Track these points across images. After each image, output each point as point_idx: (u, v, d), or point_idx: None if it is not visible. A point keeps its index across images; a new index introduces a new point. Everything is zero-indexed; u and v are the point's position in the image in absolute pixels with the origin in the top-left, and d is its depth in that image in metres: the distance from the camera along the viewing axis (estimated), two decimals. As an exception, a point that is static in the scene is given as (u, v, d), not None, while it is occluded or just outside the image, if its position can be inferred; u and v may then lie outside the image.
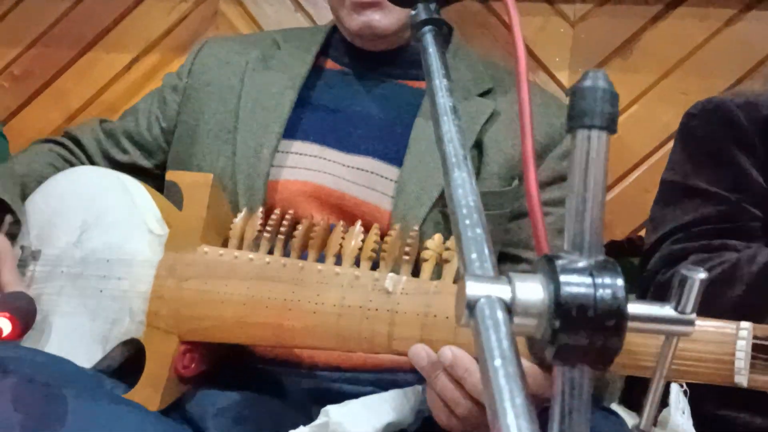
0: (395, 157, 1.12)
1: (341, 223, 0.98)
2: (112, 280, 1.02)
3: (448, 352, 0.84)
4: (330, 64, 1.23)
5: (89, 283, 1.03)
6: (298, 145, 1.14)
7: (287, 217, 0.99)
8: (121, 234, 1.04)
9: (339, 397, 0.93)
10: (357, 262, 0.95)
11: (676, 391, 0.96)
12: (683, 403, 0.97)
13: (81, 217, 1.07)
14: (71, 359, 0.97)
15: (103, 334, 1.00)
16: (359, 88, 1.20)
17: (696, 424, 0.97)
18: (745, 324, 0.81)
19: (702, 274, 0.49)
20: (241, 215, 1.02)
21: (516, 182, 1.14)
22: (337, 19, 1.20)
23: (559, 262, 0.47)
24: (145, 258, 1.01)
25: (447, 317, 0.89)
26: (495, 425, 0.40)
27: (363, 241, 0.96)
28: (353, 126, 1.16)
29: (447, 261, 0.93)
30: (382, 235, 0.97)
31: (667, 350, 0.53)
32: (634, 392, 1.18)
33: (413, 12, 0.71)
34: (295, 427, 0.89)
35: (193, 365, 0.98)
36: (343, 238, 0.96)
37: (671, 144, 1.30)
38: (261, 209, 1.03)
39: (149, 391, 0.95)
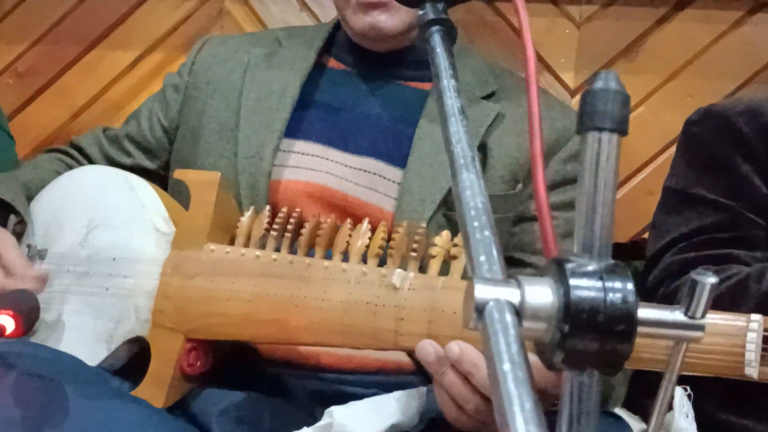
0: (399, 159, 1.11)
1: (348, 221, 0.98)
2: (117, 278, 1.02)
3: (456, 347, 0.83)
4: (333, 63, 1.22)
5: (95, 282, 1.03)
6: (300, 145, 1.13)
7: (294, 215, 0.99)
8: (128, 232, 1.04)
9: (343, 398, 0.93)
10: (364, 260, 0.95)
11: (680, 394, 0.96)
12: (687, 406, 0.96)
13: (87, 215, 1.07)
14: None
15: (108, 333, 1.00)
16: (363, 88, 1.19)
17: (699, 428, 0.96)
18: (755, 316, 0.81)
19: (712, 279, 0.49)
20: (248, 214, 1.02)
21: (520, 186, 1.13)
22: (343, 19, 1.19)
23: (569, 266, 0.46)
24: (151, 256, 1.01)
25: (454, 312, 0.89)
26: (504, 430, 0.40)
27: (370, 239, 0.96)
28: (357, 126, 1.15)
29: (455, 257, 0.92)
30: (389, 234, 0.96)
31: (676, 355, 0.52)
32: (636, 395, 1.17)
33: (421, 12, 0.71)
34: (299, 427, 0.88)
35: (198, 363, 0.98)
36: (350, 236, 0.96)
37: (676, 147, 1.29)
38: (268, 208, 1.03)
39: (154, 389, 0.95)
